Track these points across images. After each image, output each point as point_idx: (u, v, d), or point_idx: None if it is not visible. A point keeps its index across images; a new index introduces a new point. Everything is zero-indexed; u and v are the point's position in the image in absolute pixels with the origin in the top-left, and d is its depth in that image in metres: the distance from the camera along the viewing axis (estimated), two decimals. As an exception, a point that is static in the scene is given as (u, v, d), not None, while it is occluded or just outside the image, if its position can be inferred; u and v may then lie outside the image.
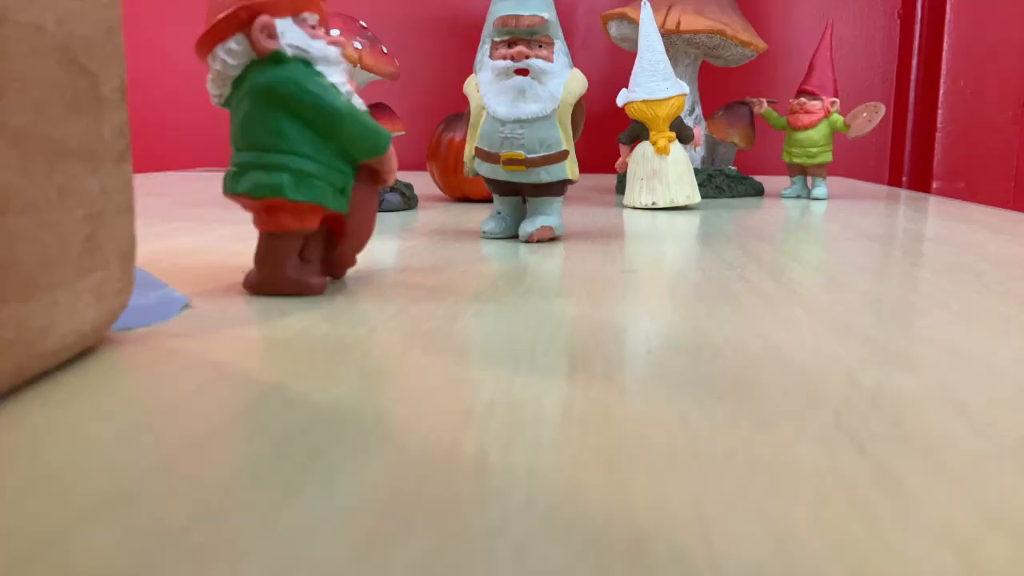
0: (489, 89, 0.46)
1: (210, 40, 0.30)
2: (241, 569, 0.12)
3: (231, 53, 0.29)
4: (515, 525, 0.13)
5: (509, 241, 0.48)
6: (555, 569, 0.12)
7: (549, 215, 0.48)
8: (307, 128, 0.30)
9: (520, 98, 0.45)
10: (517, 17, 0.45)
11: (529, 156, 0.45)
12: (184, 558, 0.12)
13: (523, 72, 0.45)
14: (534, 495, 0.14)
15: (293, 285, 0.32)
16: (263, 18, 0.29)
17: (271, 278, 0.31)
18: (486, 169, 0.47)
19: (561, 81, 0.45)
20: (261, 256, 0.32)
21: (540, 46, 0.45)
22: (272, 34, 0.29)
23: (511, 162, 0.46)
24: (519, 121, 0.45)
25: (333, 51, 0.31)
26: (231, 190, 0.31)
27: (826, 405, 0.19)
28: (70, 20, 0.20)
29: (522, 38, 0.45)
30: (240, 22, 0.29)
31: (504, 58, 0.45)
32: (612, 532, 0.13)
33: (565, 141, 0.46)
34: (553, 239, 0.48)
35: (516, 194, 0.49)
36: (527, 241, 0.47)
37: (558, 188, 0.47)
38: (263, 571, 0.12)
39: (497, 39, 0.46)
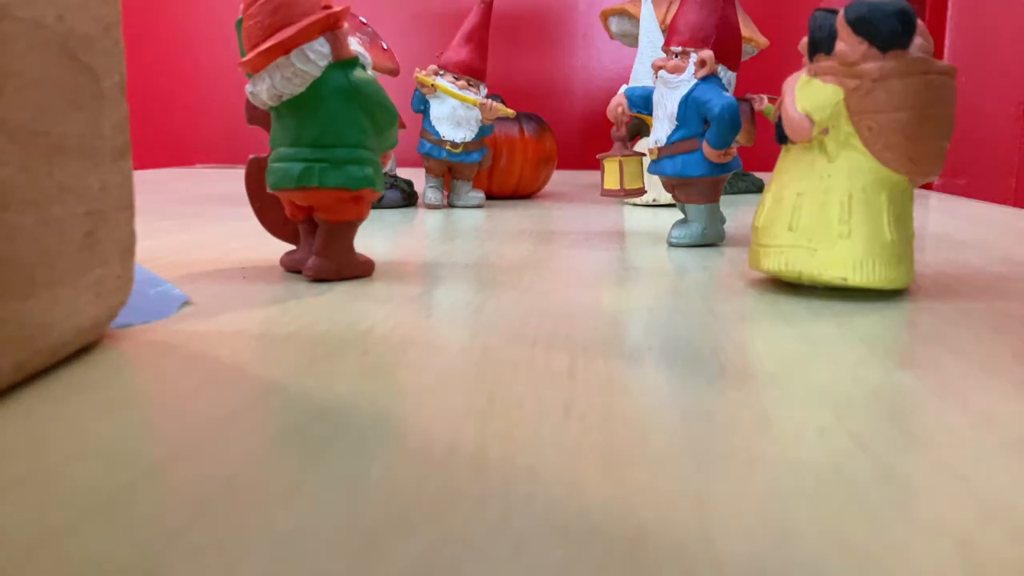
0: None
1: (295, 42, 0.30)
2: (240, 567, 0.12)
3: (319, 54, 0.31)
4: (515, 522, 0.13)
5: (510, 238, 0.48)
6: (555, 565, 0.12)
7: None
8: (372, 124, 0.33)
9: None
10: None
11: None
12: (184, 555, 0.12)
13: None
14: (534, 492, 0.14)
15: (368, 266, 0.35)
16: (345, 24, 0.32)
17: (348, 263, 0.34)
18: None
19: None
20: (327, 246, 0.33)
21: None
22: (348, 40, 0.32)
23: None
24: None
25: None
26: (315, 183, 0.32)
27: (827, 402, 0.19)
28: (70, 16, 0.20)
29: None
30: (325, 26, 0.31)
31: None
32: (612, 529, 0.13)
33: None
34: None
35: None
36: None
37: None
38: (263, 569, 0.12)
39: None
